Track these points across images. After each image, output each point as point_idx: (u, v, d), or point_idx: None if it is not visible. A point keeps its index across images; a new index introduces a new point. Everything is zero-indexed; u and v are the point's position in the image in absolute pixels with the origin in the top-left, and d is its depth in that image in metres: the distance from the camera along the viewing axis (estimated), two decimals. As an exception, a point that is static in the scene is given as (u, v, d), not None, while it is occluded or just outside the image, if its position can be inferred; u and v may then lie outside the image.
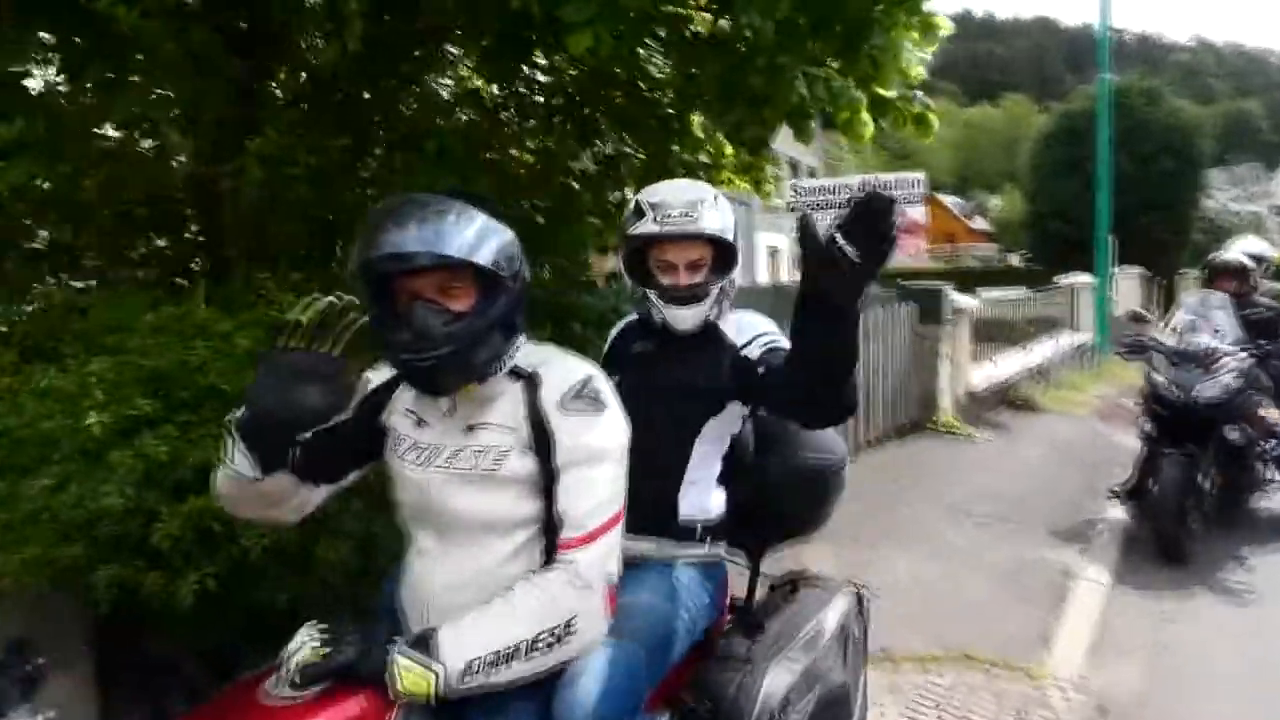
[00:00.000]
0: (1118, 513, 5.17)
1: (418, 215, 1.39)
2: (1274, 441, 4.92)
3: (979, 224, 57.41)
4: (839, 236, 1.37)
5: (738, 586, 2.06)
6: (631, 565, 1.57)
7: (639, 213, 1.88)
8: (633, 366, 1.91)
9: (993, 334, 10.73)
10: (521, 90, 4.13)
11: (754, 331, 1.87)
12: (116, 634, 2.19)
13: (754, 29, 2.95)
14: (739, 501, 1.93)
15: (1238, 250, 5.50)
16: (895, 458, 6.88)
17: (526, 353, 1.54)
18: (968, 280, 15.19)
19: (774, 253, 24.93)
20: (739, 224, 1.91)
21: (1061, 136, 17.89)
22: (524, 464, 1.46)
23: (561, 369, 1.52)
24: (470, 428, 1.49)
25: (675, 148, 4.27)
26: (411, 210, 1.40)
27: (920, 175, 9.98)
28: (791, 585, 2.12)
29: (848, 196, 10.32)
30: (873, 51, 3.40)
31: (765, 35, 2.99)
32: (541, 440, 1.46)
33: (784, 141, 4.79)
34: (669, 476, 1.83)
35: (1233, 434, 4.54)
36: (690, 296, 1.86)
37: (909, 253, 9.26)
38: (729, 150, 4.62)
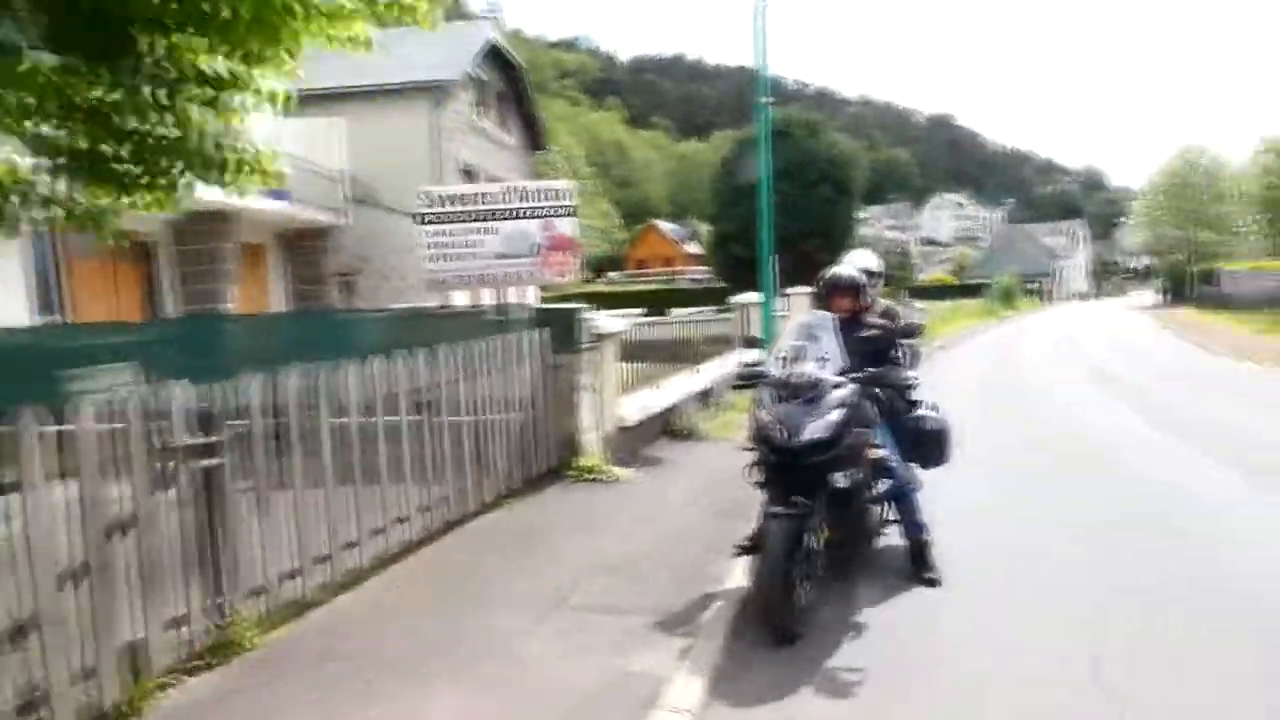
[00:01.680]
0: (739, 575, 4.30)
1: None
2: (886, 481, 4.36)
3: (694, 248, 61.40)
4: None
5: None
6: None
7: None
8: None
9: (664, 356, 10.17)
10: None
11: None
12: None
13: None
14: None
15: (849, 265, 4.99)
16: (511, 522, 5.61)
17: None
18: (674, 301, 15.10)
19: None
20: None
21: (737, 163, 18.78)
22: None
23: None
24: None
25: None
26: None
27: (569, 184, 9.05)
28: None
29: (490, 207, 9.08)
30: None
31: None
32: None
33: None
34: None
35: (841, 482, 3.82)
36: None
37: (559, 274, 8.17)
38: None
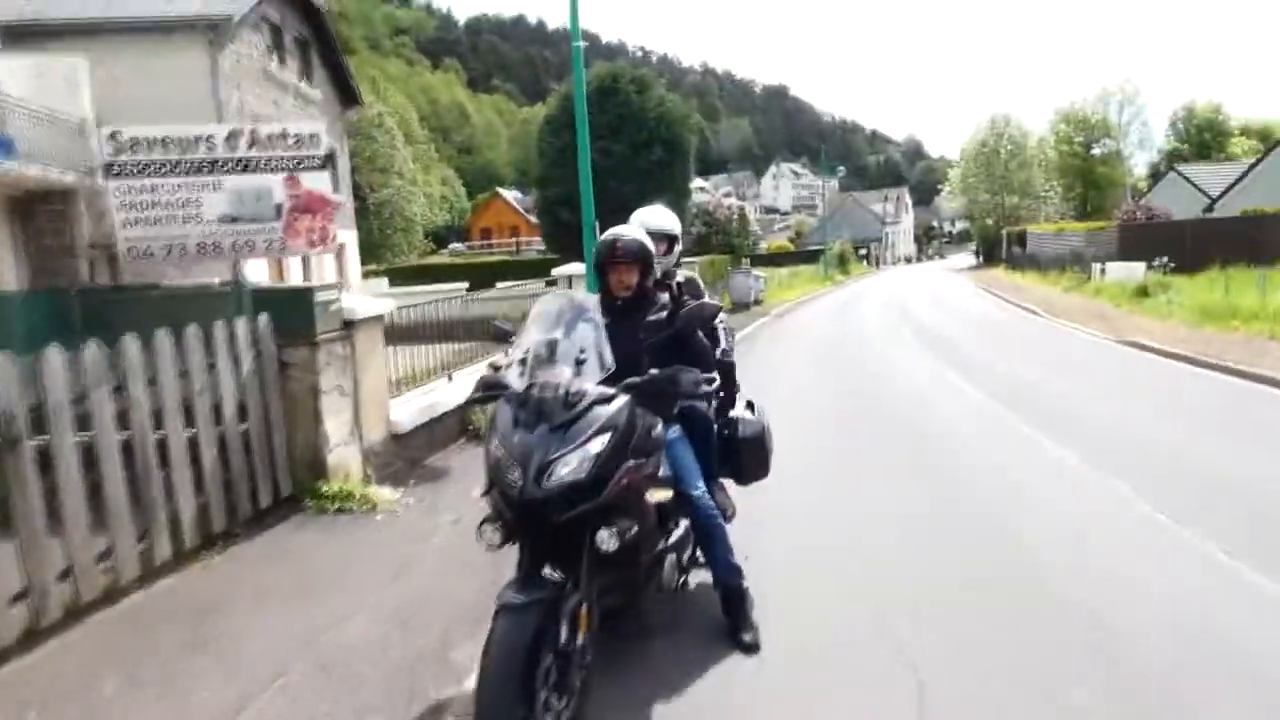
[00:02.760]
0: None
1: None
2: (674, 533, 3.19)
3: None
4: None
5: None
6: None
7: None
8: None
9: (477, 336, 8.65)
10: None
11: None
12: None
13: None
14: None
15: (636, 226, 3.76)
16: (187, 594, 3.97)
17: None
18: (515, 273, 13.40)
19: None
20: None
21: (564, 120, 17.25)
22: None
23: None
24: None
25: None
26: None
27: (319, 127, 7.29)
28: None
29: (211, 156, 7.11)
30: None
31: None
32: None
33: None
34: None
35: (609, 543, 2.58)
36: None
37: (310, 243, 6.45)
38: None
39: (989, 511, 4.90)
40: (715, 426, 3.77)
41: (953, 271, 45.13)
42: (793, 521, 4.74)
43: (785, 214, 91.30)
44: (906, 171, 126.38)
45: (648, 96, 17.16)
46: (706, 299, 3.86)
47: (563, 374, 2.69)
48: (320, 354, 5.19)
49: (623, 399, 2.74)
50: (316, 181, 6.51)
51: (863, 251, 60.65)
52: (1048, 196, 48.03)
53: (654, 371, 2.98)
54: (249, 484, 4.82)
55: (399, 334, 7.13)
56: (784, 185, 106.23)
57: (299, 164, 6.44)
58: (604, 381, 2.75)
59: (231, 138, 6.33)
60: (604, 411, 2.65)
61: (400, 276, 28.73)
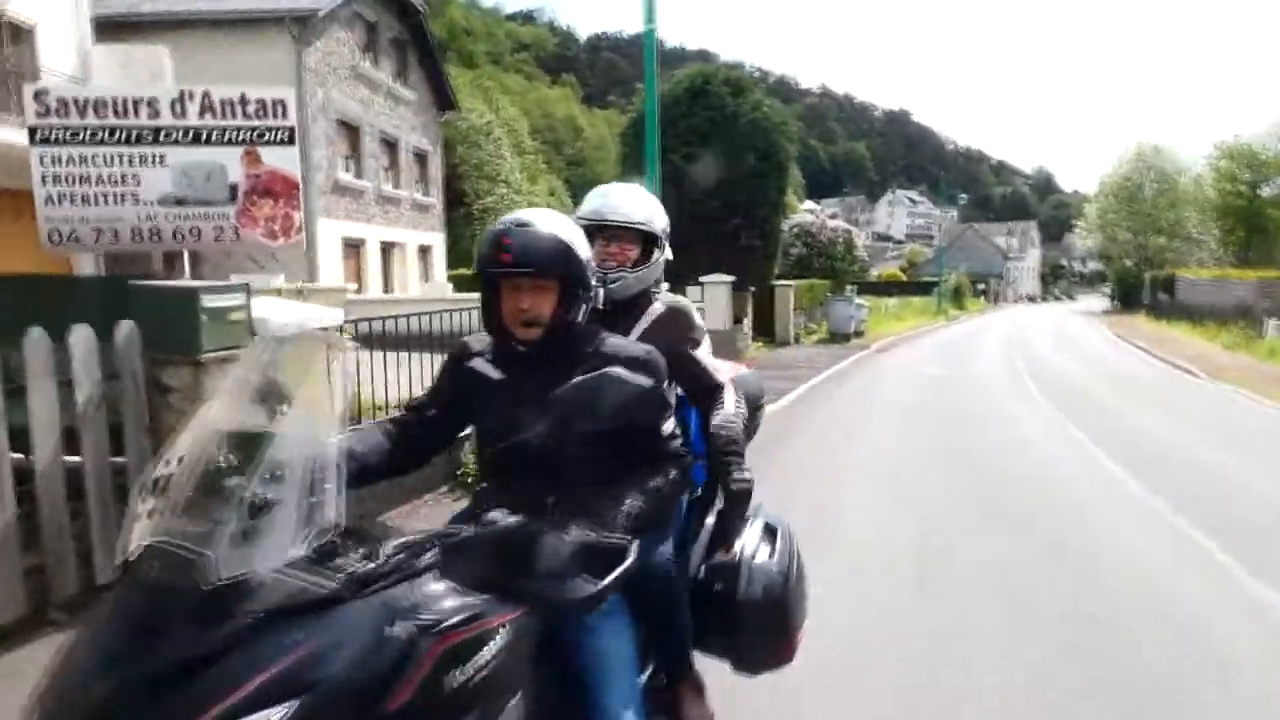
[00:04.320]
0: None
1: None
2: None
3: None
4: None
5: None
6: None
7: None
8: None
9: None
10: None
11: None
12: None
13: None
14: None
15: (586, 210, 2.18)
16: None
17: None
18: None
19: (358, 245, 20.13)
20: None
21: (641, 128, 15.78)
22: None
23: None
24: None
25: None
26: None
27: (288, 93, 5.98)
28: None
29: (152, 123, 5.88)
30: None
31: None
32: None
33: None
34: None
35: None
36: None
37: (271, 234, 5.19)
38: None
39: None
40: (693, 582, 2.13)
41: (1082, 315, 40.89)
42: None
43: (899, 242, 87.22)
44: (1034, 205, 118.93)
45: (743, 100, 15.51)
46: (697, 339, 2.23)
47: (216, 538, 1.12)
48: (209, 377, 3.82)
49: (361, 607, 1.14)
50: (281, 159, 5.26)
51: (980, 286, 56.55)
52: (1202, 240, 42.92)
53: (503, 520, 1.38)
54: (74, 549, 3.49)
55: (424, 343, 5.82)
56: (899, 212, 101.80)
57: (261, 136, 5.20)
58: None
59: (180, 102, 5.12)
60: (286, 642, 1.06)
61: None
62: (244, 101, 5.23)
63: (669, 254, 2.32)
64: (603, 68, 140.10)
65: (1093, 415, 9.83)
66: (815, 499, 5.64)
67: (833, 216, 28.79)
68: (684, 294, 16.29)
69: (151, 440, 3.79)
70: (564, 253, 1.80)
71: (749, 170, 15.18)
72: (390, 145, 22.34)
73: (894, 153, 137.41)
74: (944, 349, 20.39)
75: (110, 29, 16.58)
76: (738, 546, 2.24)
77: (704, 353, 2.23)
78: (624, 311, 2.21)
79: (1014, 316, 40.93)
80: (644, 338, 2.19)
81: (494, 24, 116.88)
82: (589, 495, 1.77)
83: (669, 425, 1.94)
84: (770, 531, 2.34)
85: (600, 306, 2.08)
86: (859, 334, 21.39)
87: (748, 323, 15.89)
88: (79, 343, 3.45)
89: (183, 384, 3.82)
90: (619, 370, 1.69)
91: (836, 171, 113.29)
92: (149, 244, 5.29)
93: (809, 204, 54.23)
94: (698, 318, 2.31)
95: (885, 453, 7.65)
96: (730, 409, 2.13)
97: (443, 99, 25.27)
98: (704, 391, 2.19)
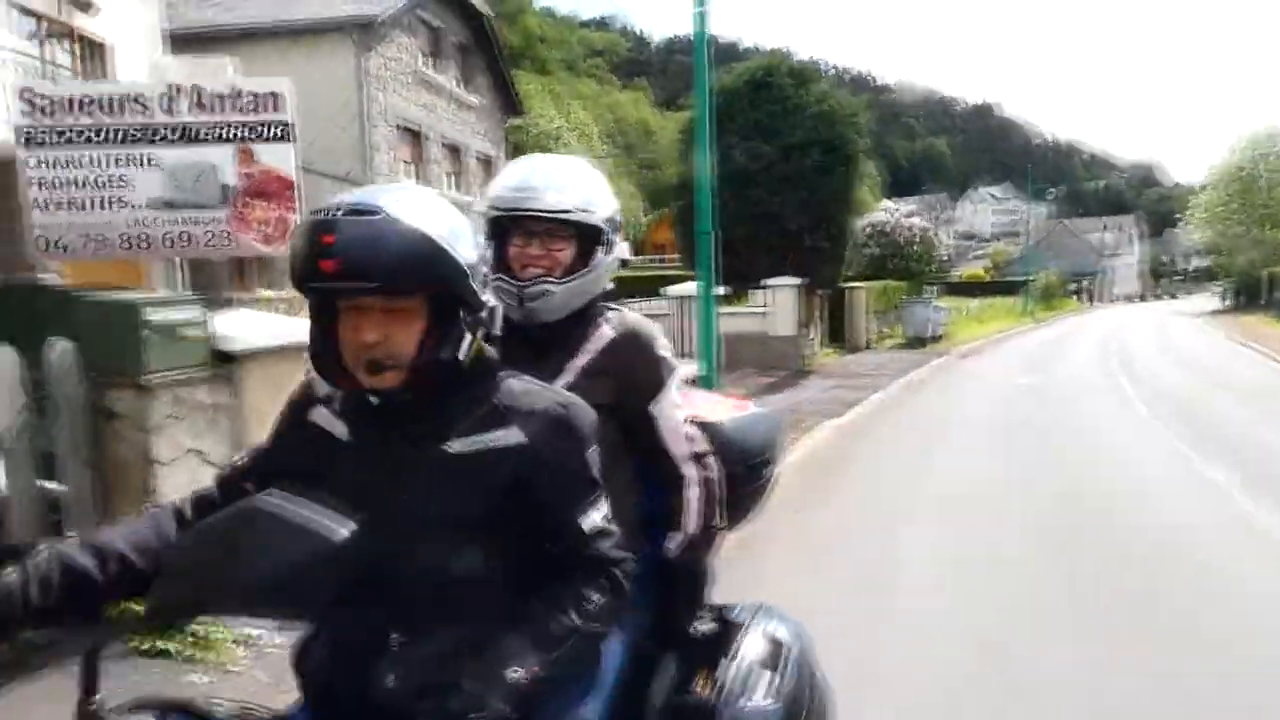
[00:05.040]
0: None
1: None
2: None
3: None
4: None
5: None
6: None
7: None
8: None
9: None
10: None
11: None
12: None
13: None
14: None
15: (496, 189, 1.53)
16: None
17: None
18: (633, 289, 11.62)
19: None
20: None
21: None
22: None
23: None
24: None
25: None
26: None
27: (283, 85, 5.51)
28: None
29: (143, 121, 5.50)
30: None
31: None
32: None
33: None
34: None
35: None
36: None
37: (265, 239, 4.75)
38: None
39: None
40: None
41: (1189, 316, 37.75)
42: None
43: (984, 240, 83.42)
44: (1131, 200, 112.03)
45: (808, 92, 14.55)
46: (661, 377, 1.57)
47: None
48: (156, 402, 3.35)
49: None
50: (276, 157, 4.80)
51: (1072, 286, 53.28)
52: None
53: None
54: None
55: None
56: (983, 210, 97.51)
57: (255, 133, 4.75)
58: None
59: (170, 98, 4.73)
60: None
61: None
62: (236, 95, 4.80)
63: (622, 252, 1.65)
64: (677, 71, 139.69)
65: (1224, 445, 7.77)
66: (865, 555, 4.70)
67: (910, 214, 27.34)
68: (745, 299, 15.33)
69: (94, 472, 3.34)
70: (429, 254, 1.16)
71: (815, 165, 14.25)
72: (454, 151, 22.29)
73: (976, 148, 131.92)
74: (1032, 355, 18.85)
75: (182, 42, 16.95)
76: (723, 672, 1.56)
77: (667, 405, 1.56)
78: (557, 338, 1.55)
79: (1112, 317, 38.18)
80: (584, 377, 1.52)
81: (567, 31, 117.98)
82: (457, 640, 1.16)
83: (596, 516, 1.27)
84: (774, 648, 1.63)
85: (517, 333, 1.45)
86: (938, 338, 20.08)
87: (817, 328, 14.95)
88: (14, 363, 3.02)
89: (128, 409, 3.36)
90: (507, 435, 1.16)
91: (916, 169, 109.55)
92: (138, 252, 4.93)
93: (886, 202, 52.32)
94: (663, 343, 1.62)
95: (960, 493, 6.31)
96: (693, 524, 1.51)
97: (509, 104, 25.14)
98: (667, 478, 1.55)
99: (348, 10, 17.68)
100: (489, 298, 1.27)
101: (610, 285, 1.62)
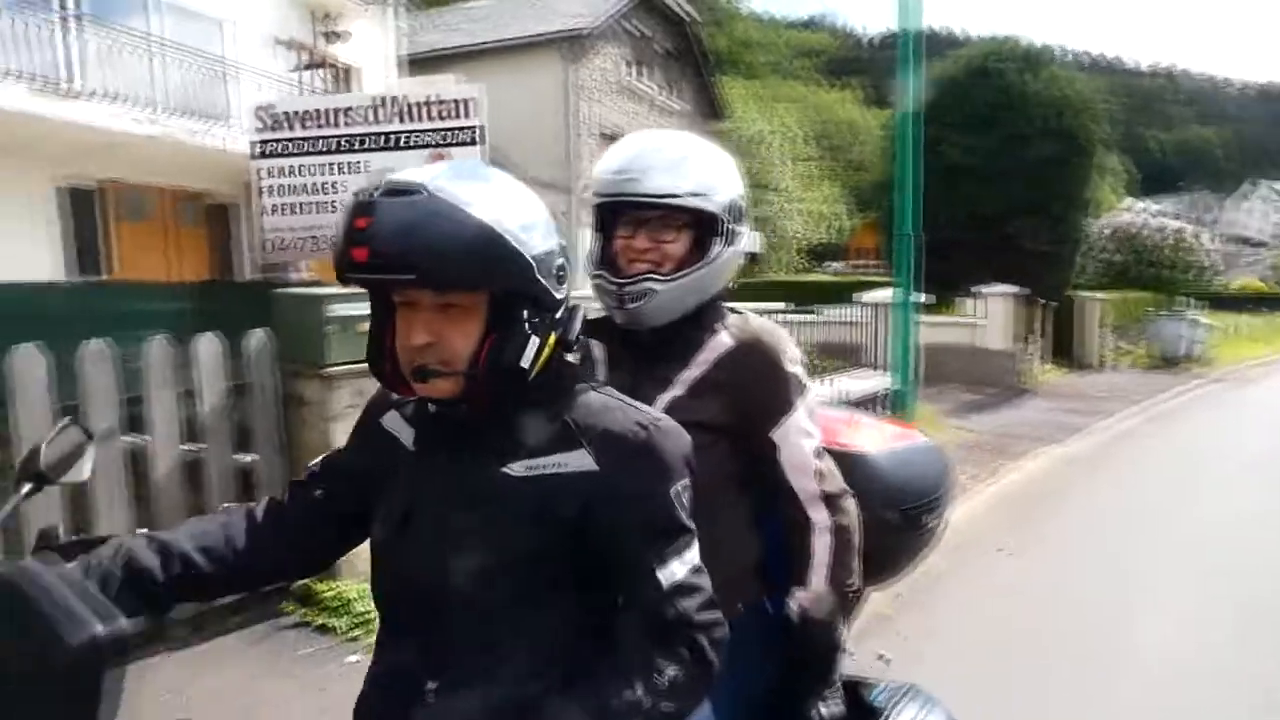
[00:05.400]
0: None
1: None
2: None
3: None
4: None
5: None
6: None
7: None
8: None
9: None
10: None
11: None
12: None
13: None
14: None
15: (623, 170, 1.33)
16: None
17: None
18: (828, 294, 11.21)
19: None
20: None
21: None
22: None
23: None
24: None
25: None
26: None
27: (475, 90, 5.66)
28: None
29: (351, 131, 5.82)
30: None
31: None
32: None
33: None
34: None
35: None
36: None
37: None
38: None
39: None
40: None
41: None
42: None
43: (1260, 245, 71.29)
44: None
45: (1037, 76, 12.98)
46: (791, 397, 1.27)
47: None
48: (338, 392, 3.54)
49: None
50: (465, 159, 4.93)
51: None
52: None
53: None
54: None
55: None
56: (1261, 209, 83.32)
57: (448, 138, 4.98)
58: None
59: (378, 108, 5.07)
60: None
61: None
62: (433, 103, 5.05)
63: (750, 244, 1.37)
64: (891, 67, 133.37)
65: None
66: (1081, 650, 3.56)
67: (1160, 214, 23.85)
68: (953, 308, 14.07)
69: (282, 457, 3.59)
70: (479, 240, 0.96)
71: (1041, 158, 12.69)
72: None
73: (1255, 136, 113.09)
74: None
75: (417, 64, 18.74)
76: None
77: (793, 432, 1.26)
78: (666, 345, 1.31)
79: None
80: (693, 392, 1.27)
81: (774, 33, 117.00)
82: (500, 699, 0.98)
83: (679, 567, 1.01)
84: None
85: (623, 338, 1.24)
86: (1195, 359, 17.24)
87: (1038, 342, 13.37)
88: (204, 351, 3.32)
89: (314, 397, 3.57)
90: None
91: (1174, 163, 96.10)
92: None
93: (1132, 201, 46.32)
94: (792, 355, 1.32)
95: (1218, 567, 4.85)
96: (818, 580, 1.21)
97: (713, 109, 25.21)
98: (789, 522, 1.26)
99: (558, 25, 18.58)
100: (565, 294, 1.06)
101: (728, 281, 1.34)
